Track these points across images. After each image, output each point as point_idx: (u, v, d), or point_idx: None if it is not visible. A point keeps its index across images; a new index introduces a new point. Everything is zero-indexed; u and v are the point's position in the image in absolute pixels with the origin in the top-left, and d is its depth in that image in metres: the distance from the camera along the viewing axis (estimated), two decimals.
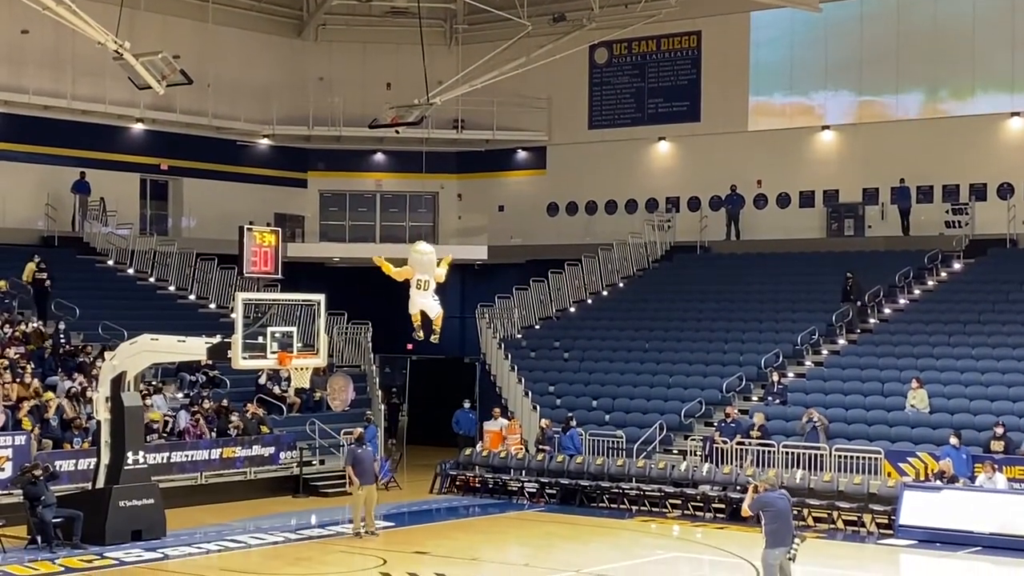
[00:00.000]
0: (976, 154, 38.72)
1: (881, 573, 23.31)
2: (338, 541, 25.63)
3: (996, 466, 26.03)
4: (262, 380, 34.51)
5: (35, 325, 33.30)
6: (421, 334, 21.89)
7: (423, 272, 20.78)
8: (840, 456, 28.81)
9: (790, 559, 18.12)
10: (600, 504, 30.27)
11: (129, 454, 25.00)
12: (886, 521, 26.58)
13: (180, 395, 32.65)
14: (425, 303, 21.43)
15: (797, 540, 18.34)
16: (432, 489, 32.48)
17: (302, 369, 24.86)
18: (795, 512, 27.74)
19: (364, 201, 47.15)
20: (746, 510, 18.98)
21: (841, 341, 35.10)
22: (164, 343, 25.57)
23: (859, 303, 35.50)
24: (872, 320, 35.80)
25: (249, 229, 36.22)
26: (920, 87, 39.91)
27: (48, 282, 34.50)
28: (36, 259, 34.82)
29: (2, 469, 26.13)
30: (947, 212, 38.80)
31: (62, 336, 33.40)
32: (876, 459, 28.37)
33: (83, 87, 39.64)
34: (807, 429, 29.80)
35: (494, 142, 45.89)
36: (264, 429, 32.33)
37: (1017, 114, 38.27)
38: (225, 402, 32.55)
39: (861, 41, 40.55)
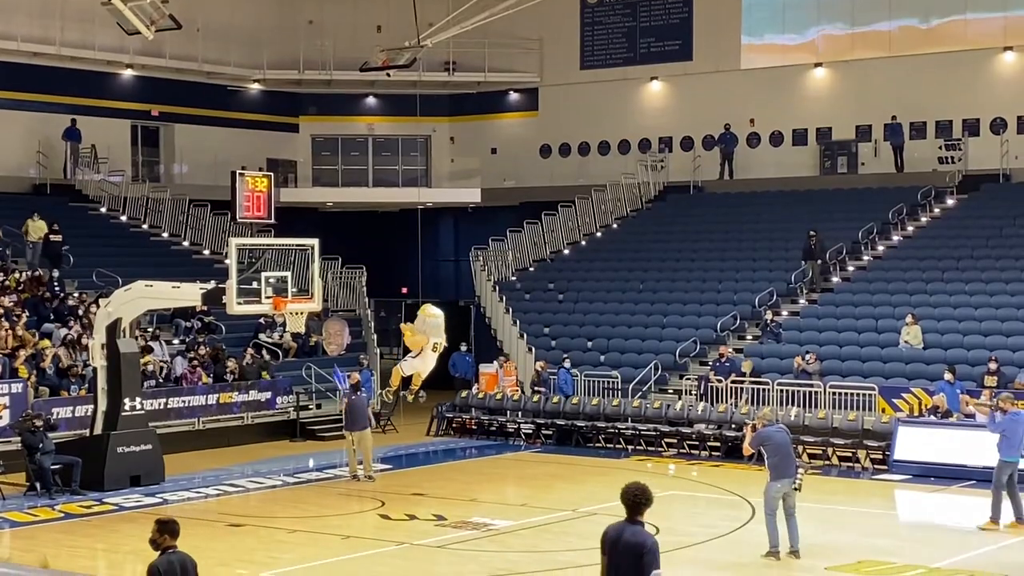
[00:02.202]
0: (969, 89, 38.69)
1: (876, 508, 23.45)
2: (336, 484, 25.75)
3: (993, 394, 26.12)
4: (262, 336, 34.60)
5: (28, 274, 33.34)
6: (391, 397, 22.63)
7: (437, 335, 21.49)
8: (834, 393, 28.94)
9: (796, 489, 18.51)
10: (596, 444, 30.41)
11: (126, 400, 25.10)
12: (880, 457, 26.72)
13: (176, 341, 32.72)
14: (430, 365, 22.21)
15: (801, 471, 18.75)
16: (429, 431, 32.62)
17: (297, 314, 24.91)
18: None
19: (356, 145, 47.05)
20: (747, 448, 19.37)
21: (835, 279, 35.16)
22: (159, 289, 25.63)
23: (821, 262, 35.10)
24: (866, 257, 35.86)
25: (241, 174, 36.04)
26: (913, 22, 39.77)
27: (64, 247, 34.35)
28: (36, 217, 34.72)
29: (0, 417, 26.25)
30: (940, 148, 38.81)
31: (56, 284, 33.43)
32: (870, 395, 28.52)
33: (72, 33, 39.46)
34: (798, 373, 29.92)
35: (486, 84, 45.75)
36: (265, 375, 32.43)
37: (1009, 48, 38.19)
38: (222, 347, 32.62)
39: None
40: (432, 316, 21.35)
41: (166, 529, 11.12)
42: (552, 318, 36.79)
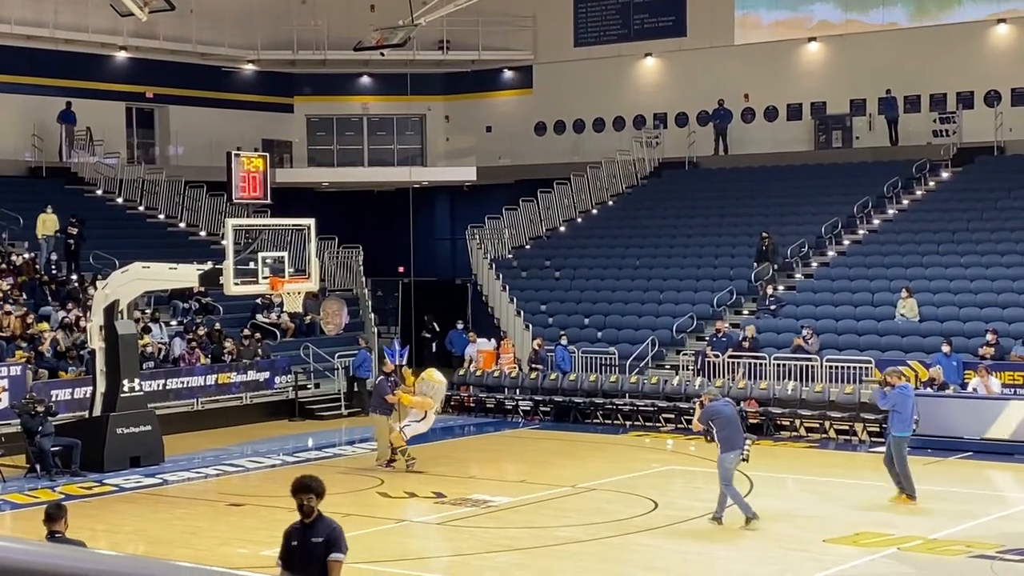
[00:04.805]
0: (963, 62, 38.69)
1: (873, 480, 23.53)
2: (336, 463, 25.84)
3: (989, 370, 26.24)
4: (259, 317, 34.65)
5: (26, 256, 33.35)
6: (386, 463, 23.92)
7: (438, 399, 22.48)
8: (831, 366, 29.02)
9: (744, 459, 19.14)
10: (594, 420, 30.51)
11: (125, 382, 25.15)
12: (877, 429, 26.78)
13: (174, 322, 32.78)
14: (429, 426, 23.22)
15: (748, 442, 19.38)
16: None
17: (295, 294, 24.99)
18: (788, 423, 28.20)
19: (351, 125, 47.04)
20: (696, 424, 20.12)
21: (831, 253, 35.23)
22: (156, 271, 25.70)
23: (775, 264, 34.57)
24: (861, 231, 35.92)
25: (237, 155, 36.05)
26: (903, 18, 39.81)
27: (72, 243, 34.22)
28: (49, 210, 34.70)
29: None
30: (934, 121, 38.83)
31: (53, 267, 33.46)
32: (867, 368, 28.58)
33: (65, 16, 39.42)
34: (795, 351, 30.01)
35: (480, 62, 45.70)
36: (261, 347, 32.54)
37: (1003, 20, 38.20)
38: (218, 326, 32.68)
39: None
40: (439, 382, 22.66)
41: (44, 516, 11.65)
42: (549, 295, 36.85)
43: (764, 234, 34.70)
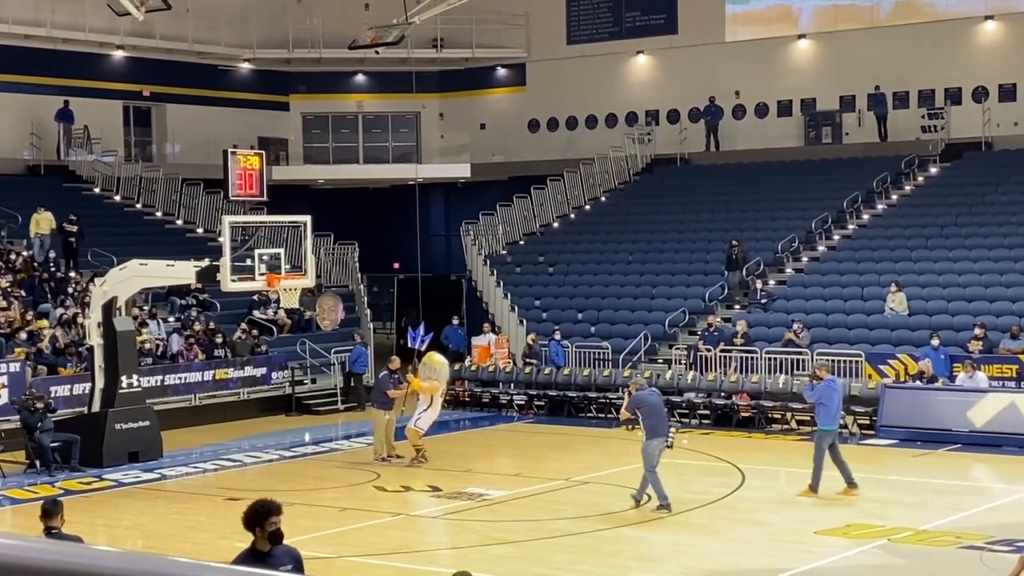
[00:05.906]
0: (951, 58, 38.98)
1: (864, 472, 23.79)
2: (333, 457, 26.09)
3: (975, 365, 26.56)
4: (256, 313, 34.86)
5: (25, 255, 33.56)
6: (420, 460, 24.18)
7: (444, 381, 22.95)
8: (822, 360, 29.25)
9: (668, 447, 19.96)
10: (588, 414, 30.75)
11: (123, 378, 25.37)
12: (868, 422, 27.10)
13: (171, 319, 33.01)
14: (438, 412, 23.76)
15: (672, 430, 20.36)
16: None
17: (291, 290, 25.23)
18: (779, 416, 28.47)
19: (346, 122, 47.23)
20: (624, 412, 21.04)
21: (821, 248, 35.52)
22: (153, 268, 25.90)
23: (745, 271, 34.68)
24: (851, 226, 36.20)
25: (233, 153, 36.25)
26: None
27: (73, 241, 34.40)
28: (41, 209, 34.87)
29: None
30: (923, 117, 39.10)
31: (52, 264, 33.69)
32: (857, 362, 28.89)
33: (63, 15, 39.61)
34: (786, 344, 30.28)
35: (474, 60, 45.92)
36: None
37: (991, 17, 38.47)
38: (212, 324, 32.89)
39: None
40: (442, 364, 22.92)
41: (40, 512, 11.83)
42: (543, 291, 37.11)
43: (734, 242, 34.88)
